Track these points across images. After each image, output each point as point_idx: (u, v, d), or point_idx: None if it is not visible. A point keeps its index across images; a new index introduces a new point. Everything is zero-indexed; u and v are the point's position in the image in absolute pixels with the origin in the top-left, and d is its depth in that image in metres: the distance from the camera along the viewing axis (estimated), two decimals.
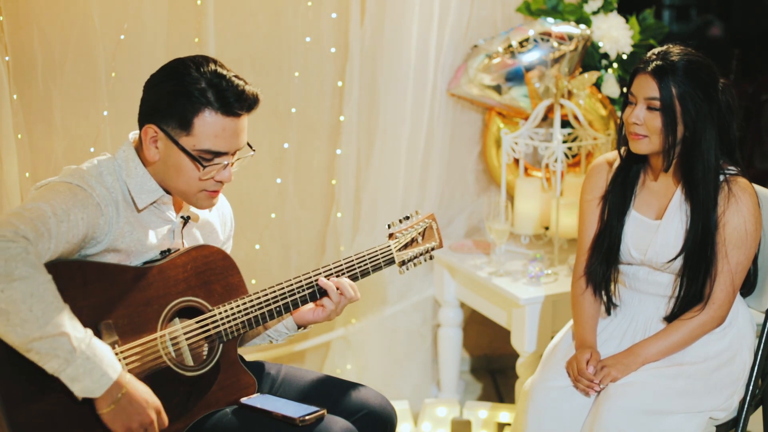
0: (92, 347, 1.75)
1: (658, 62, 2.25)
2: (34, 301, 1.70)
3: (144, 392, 1.83)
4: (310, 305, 2.16)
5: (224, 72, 1.94)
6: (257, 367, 2.23)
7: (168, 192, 2.02)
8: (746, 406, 2.36)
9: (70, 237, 1.84)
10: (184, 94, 1.91)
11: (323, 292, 2.13)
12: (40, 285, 1.72)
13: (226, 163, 1.97)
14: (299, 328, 2.20)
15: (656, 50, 2.30)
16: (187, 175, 1.96)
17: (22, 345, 1.70)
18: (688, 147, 2.28)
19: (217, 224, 2.19)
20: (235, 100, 1.93)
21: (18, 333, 1.69)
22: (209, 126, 1.92)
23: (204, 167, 1.94)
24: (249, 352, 3.22)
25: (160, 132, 1.94)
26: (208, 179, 1.97)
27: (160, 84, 1.95)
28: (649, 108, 2.27)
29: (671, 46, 2.30)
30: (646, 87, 2.26)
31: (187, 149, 1.93)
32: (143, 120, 1.97)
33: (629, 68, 3.34)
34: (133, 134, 2.05)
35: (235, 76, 1.95)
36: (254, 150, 2.06)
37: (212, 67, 1.94)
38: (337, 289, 2.12)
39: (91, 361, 1.74)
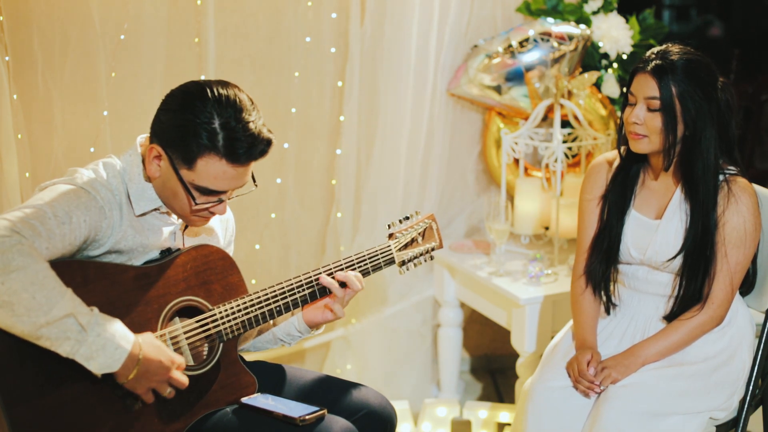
0: (101, 323, 1.76)
1: (658, 61, 2.25)
2: (36, 288, 1.71)
3: (159, 351, 1.84)
4: (318, 305, 2.16)
5: (243, 117, 1.88)
6: (258, 367, 2.23)
7: None
8: (746, 406, 2.36)
9: (72, 239, 1.84)
10: (193, 132, 1.87)
11: (323, 292, 2.13)
12: (38, 272, 1.72)
13: (222, 199, 1.97)
14: (312, 330, 2.21)
15: (655, 49, 2.30)
16: (181, 201, 1.96)
17: (31, 333, 1.71)
18: (688, 146, 2.28)
19: (218, 229, 2.19)
20: (244, 152, 1.89)
21: (25, 322, 1.70)
22: (211, 168, 1.90)
23: (196, 203, 1.94)
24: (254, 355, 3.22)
25: (165, 155, 1.93)
26: (202, 210, 1.97)
27: (175, 112, 1.90)
28: (650, 108, 2.27)
29: (670, 45, 2.30)
30: (646, 86, 2.26)
31: (185, 182, 1.92)
32: (152, 137, 1.96)
33: (629, 68, 3.34)
34: (141, 138, 2.03)
35: (252, 121, 1.89)
36: (257, 185, 2.03)
37: (231, 101, 1.88)
38: (343, 284, 2.12)
39: (103, 337, 1.75)
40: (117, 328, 1.79)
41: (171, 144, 1.91)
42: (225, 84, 1.92)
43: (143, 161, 1.99)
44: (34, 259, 1.73)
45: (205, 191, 1.93)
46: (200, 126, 1.87)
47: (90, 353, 1.74)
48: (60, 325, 1.72)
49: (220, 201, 1.97)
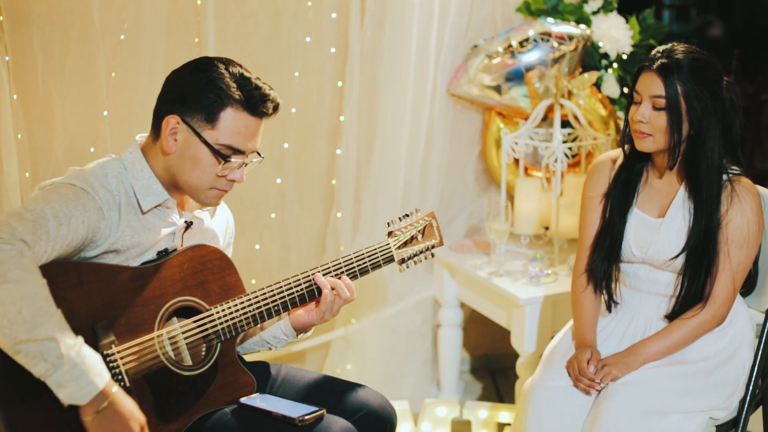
0: (81, 355, 1.74)
1: (664, 60, 2.25)
2: (24, 303, 1.69)
3: (129, 406, 1.81)
4: (308, 307, 2.16)
5: (249, 75, 1.98)
6: (258, 367, 2.23)
7: (172, 196, 2.02)
8: (746, 406, 2.36)
9: (70, 240, 1.83)
10: (213, 87, 1.93)
11: (321, 292, 2.12)
12: (31, 288, 1.71)
13: (241, 162, 1.98)
14: (298, 334, 2.20)
15: (661, 48, 2.30)
16: (202, 168, 1.97)
17: (9, 347, 1.70)
18: (692, 145, 2.28)
19: (219, 231, 2.19)
20: (260, 102, 1.96)
21: (5, 334, 1.69)
22: (234, 121, 1.94)
23: (226, 161, 1.96)
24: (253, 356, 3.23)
25: (182, 123, 1.95)
26: (222, 177, 1.98)
27: (188, 76, 1.96)
28: (655, 106, 2.26)
29: (676, 44, 2.30)
30: (652, 85, 2.26)
31: (210, 142, 1.94)
32: (165, 110, 1.97)
33: (629, 68, 3.35)
34: (140, 136, 2.05)
35: (257, 78, 1.99)
36: (263, 156, 2.07)
37: (238, 69, 1.98)
38: (333, 289, 2.12)
39: (79, 368, 1.73)
40: (94, 363, 1.77)
41: (189, 107, 1.94)
42: (229, 59, 2.01)
43: (145, 157, 2.00)
44: (31, 273, 1.72)
45: (228, 149, 1.96)
46: (216, 80, 1.94)
47: (62, 380, 1.72)
48: (40, 345, 1.70)
49: (239, 166, 1.99)
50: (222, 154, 1.95)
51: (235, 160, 1.97)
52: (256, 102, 1.95)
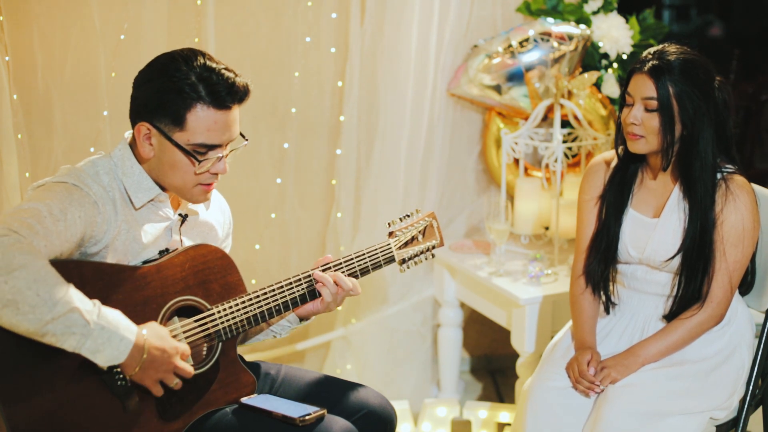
0: (104, 316, 1.76)
1: (655, 62, 2.26)
2: (39, 285, 1.70)
3: (163, 339, 1.85)
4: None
5: (213, 65, 1.94)
6: (257, 368, 2.23)
7: (164, 190, 2.02)
8: (746, 405, 2.36)
9: (69, 236, 1.84)
10: (174, 90, 1.91)
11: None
12: (40, 269, 1.72)
13: (220, 155, 1.98)
14: (301, 320, 2.21)
15: (652, 50, 2.30)
16: (182, 170, 1.96)
17: (36, 331, 1.71)
18: (685, 146, 2.28)
19: (216, 224, 2.19)
20: (226, 94, 1.93)
21: (30, 319, 1.70)
22: (202, 120, 1.93)
23: (199, 162, 1.95)
24: (250, 350, 3.22)
25: (153, 129, 1.94)
26: (203, 173, 1.98)
27: (150, 81, 1.95)
28: (647, 108, 2.27)
29: (667, 45, 2.31)
30: (643, 87, 2.26)
31: (181, 145, 1.94)
32: (135, 118, 1.98)
33: (629, 68, 3.35)
34: (129, 133, 2.05)
35: (225, 69, 1.95)
36: (247, 139, 2.06)
37: (201, 60, 1.94)
38: (335, 282, 2.12)
39: (107, 330, 1.76)
40: (120, 319, 1.80)
41: (156, 113, 1.93)
42: (191, 49, 1.98)
43: (134, 153, 2.00)
44: (34, 256, 1.73)
45: (202, 147, 1.94)
46: (179, 83, 1.91)
47: (96, 346, 1.75)
48: (65, 320, 1.71)
49: (218, 159, 1.98)
50: (195, 154, 1.95)
51: (213, 154, 1.97)
52: (221, 95, 1.92)
